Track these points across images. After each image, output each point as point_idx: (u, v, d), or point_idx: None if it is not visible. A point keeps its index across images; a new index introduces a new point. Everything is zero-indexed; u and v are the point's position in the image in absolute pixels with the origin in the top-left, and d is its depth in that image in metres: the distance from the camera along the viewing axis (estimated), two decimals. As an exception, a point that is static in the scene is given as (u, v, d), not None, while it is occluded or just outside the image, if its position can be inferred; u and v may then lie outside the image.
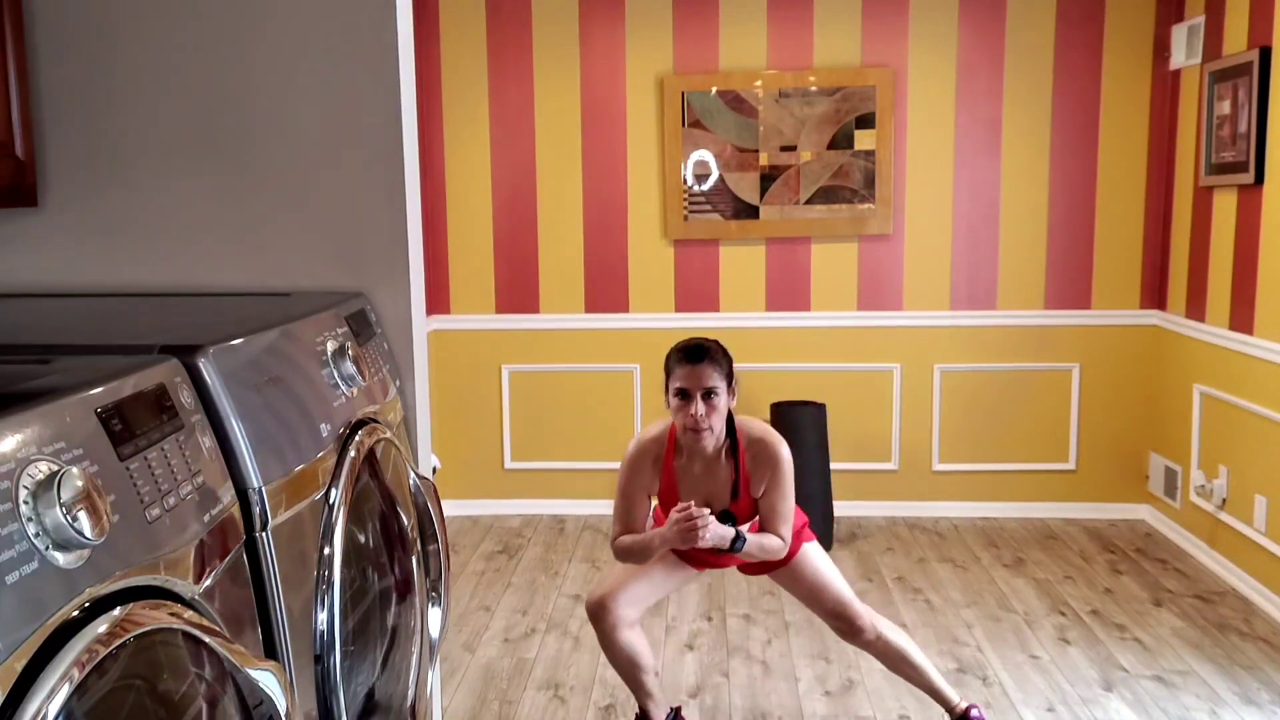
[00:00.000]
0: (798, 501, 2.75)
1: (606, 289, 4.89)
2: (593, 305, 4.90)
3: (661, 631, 3.64)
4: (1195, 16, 4.31)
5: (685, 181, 4.76)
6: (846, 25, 4.67)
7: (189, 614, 1.03)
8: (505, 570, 4.28)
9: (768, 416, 4.46)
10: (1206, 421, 4.22)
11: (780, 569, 2.80)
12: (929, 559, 4.33)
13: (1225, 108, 4.01)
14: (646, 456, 2.72)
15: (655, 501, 2.81)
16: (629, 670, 2.77)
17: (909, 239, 4.75)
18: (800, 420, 4.40)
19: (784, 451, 2.68)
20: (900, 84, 4.67)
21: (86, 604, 0.90)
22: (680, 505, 2.53)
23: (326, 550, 1.42)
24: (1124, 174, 4.67)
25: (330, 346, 1.59)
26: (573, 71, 4.77)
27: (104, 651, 0.88)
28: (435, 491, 1.89)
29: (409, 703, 1.75)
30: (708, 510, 2.54)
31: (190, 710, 1.03)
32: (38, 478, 0.87)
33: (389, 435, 1.69)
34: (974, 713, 2.82)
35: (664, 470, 2.71)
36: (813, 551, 2.80)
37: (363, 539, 1.59)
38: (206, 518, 1.14)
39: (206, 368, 1.24)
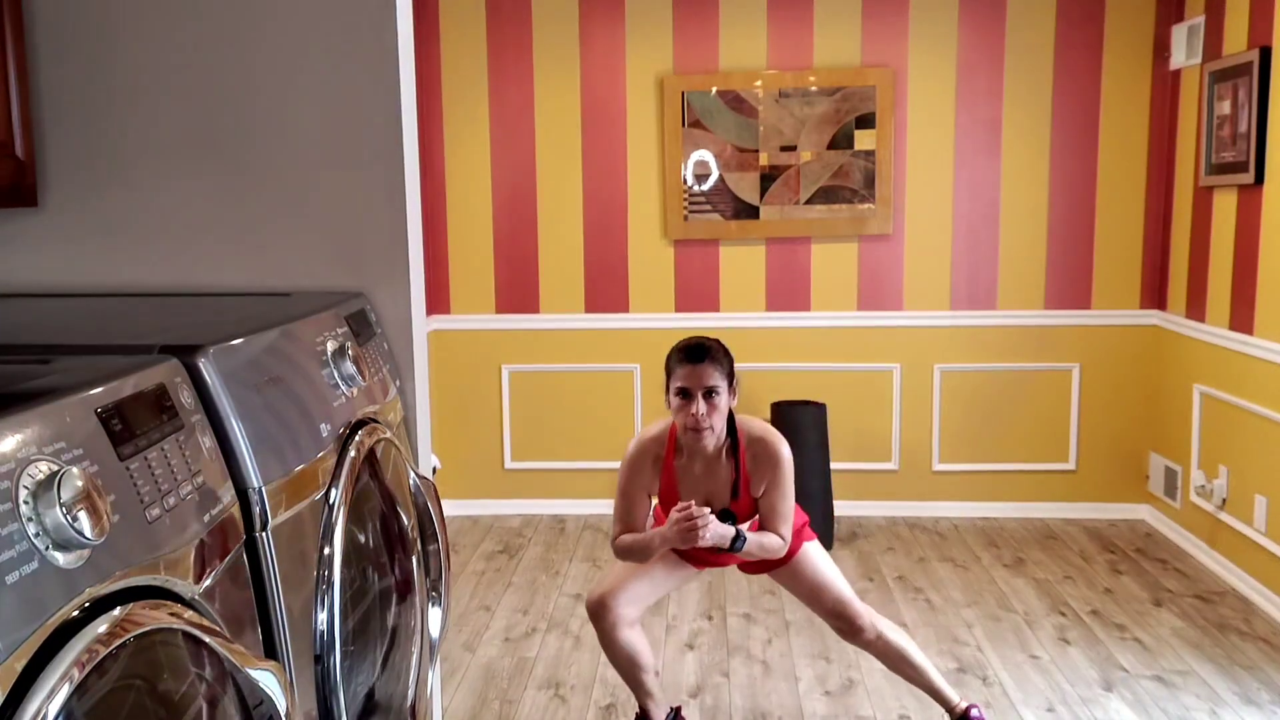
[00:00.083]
0: (798, 501, 2.75)
1: (606, 289, 4.89)
2: (593, 305, 4.90)
3: (662, 631, 3.64)
4: (1195, 16, 4.31)
5: (685, 181, 4.77)
6: (846, 25, 4.67)
7: (189, 614, 1.03)
8: (505, 570, 4.28)
9: (768, 416, 4.46)
10: (1206, 421, 4.22)
11: (781, 568, 2.80)
12: (929, 559, 4.33)
13: (1225, 108, 4.01)
14: (647, 456, 2.72)
15: (655, 501, 2.81)
16: (629, 669, 2.77)
17: (909, 239, 4.75)
18: (800, 420, 4.40)
19: (784, 451, 2.68)
20: (900, 84, 4.67)
21: (86, 604, 0.90)
22: (680, 504, 2.53)
23: (326, 550, 1.42)
24: (1124, 174, 4.67)
25: (330, 346, 1.59)
26: (573, 71, 4.77)
27: (104, 651, 0.88)
28: (435, 491, 1.89)
29: (409, 703, 1.75)
30: (708, 509, 2.54)
31: (190, 710, 1.03)
32: (38, 478, 0.87)
33: (389, 435, 1.70)
34: (974, 712, 2.82)
35: (664, 470, 2.71)
36: (813, 551, 2.80)
37: (363, 539, 1.59)
38: (206, 518, 1.14)
39: (206, 368, 1.24)
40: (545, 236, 4.87)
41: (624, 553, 2.70)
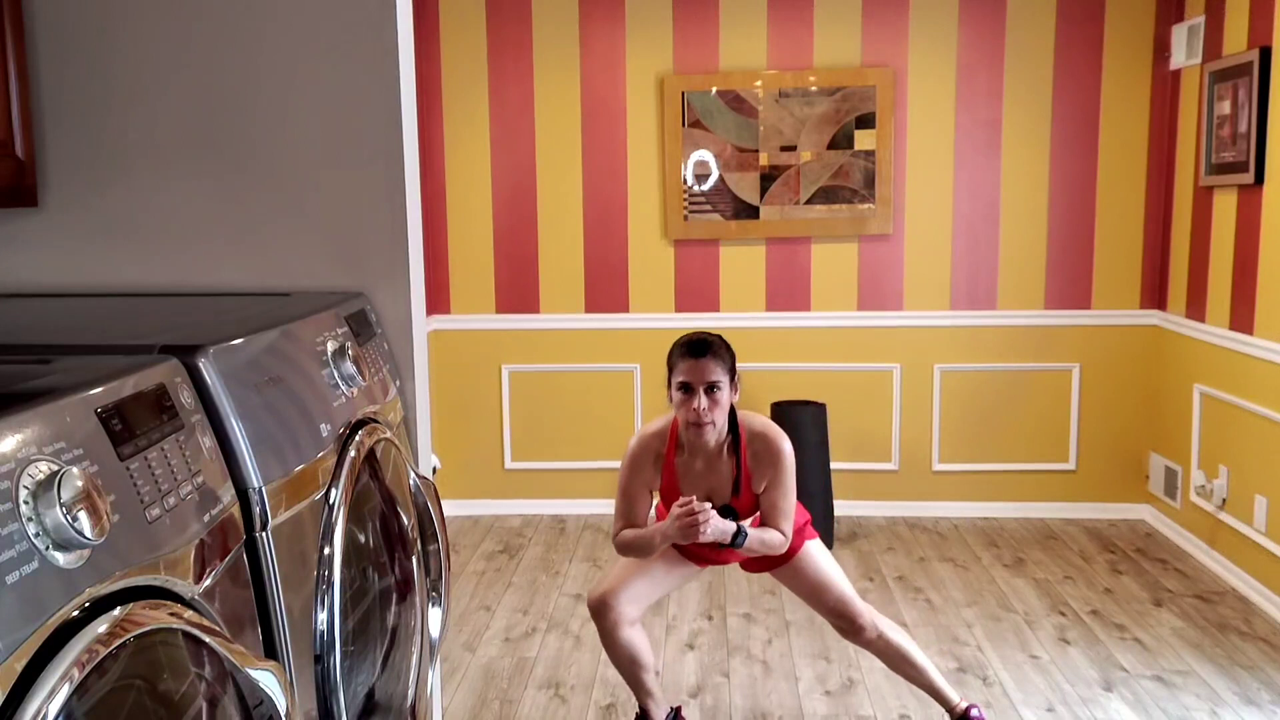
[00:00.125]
0: (799, 501, 2.75)
1: (606, 289, 4.89)
2: (593, 305, 4.90)
3: (662, 631, 3.64)
4: (1195, 16, 4.31)
5: (685, 181, 4.77)
6: (846, 25, 4.67)
7: (189, 614, 1.03)
8: (506, 570, 4.28)
9: (768, 416, 4.46)
10: (1206, 421, 4.22)
11: (782, 566, 2.79)
12: (929, 559, 4.33)
13: (1225, 108, 4.01)
14: (648, 452, 2.72)
15: (658, 499, 2.81)
16: (629, 668, 2.77)
17: (909, 239, 4.75)
18: (800, 420, 4.40)
19: (786, 447, 2.67)
20: (900, 84, 4.67)
21: (86, 604, 0.90)
22: (681, 500, 2.53)
23: (326, 550, 1.42)
24: (1124, 174, 4.67)
25: (330, 346, 1.59)
26: (573, 71, 4.77)
27: (104, 651, 0.88)
28: (435, 491, 1.89)
29: (409, 702, 1.75)
30: (709, 504, 2.54)
31: (190, 710, 1.03)
32: (38, 478, 0.87)
33: (389, 435, 1.70)
34: (974, 712, 2.82)
35: (665, 466, 2.71)
36: (815, 549, 2.80)
37: (363, 539, 1.59)
38: (206, 518, 1.14)
39: (206, 368, 1.24)
40: (545, 236, 4.87)
41: (625, 548, 2.70)
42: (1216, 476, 4.12)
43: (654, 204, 4.82)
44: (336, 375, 1.57)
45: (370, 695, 1.59)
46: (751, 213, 4.75)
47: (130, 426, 1.04)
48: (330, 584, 1.40)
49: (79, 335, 1.55)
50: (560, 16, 4.74)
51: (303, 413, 1.43)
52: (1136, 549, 4.42)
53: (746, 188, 4.74)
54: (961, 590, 3.98)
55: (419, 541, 1.82)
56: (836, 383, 4.82)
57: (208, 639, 1.04)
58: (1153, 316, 4.70)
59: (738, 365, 2.68)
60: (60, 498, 0.86)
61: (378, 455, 1.64)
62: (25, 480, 0.86)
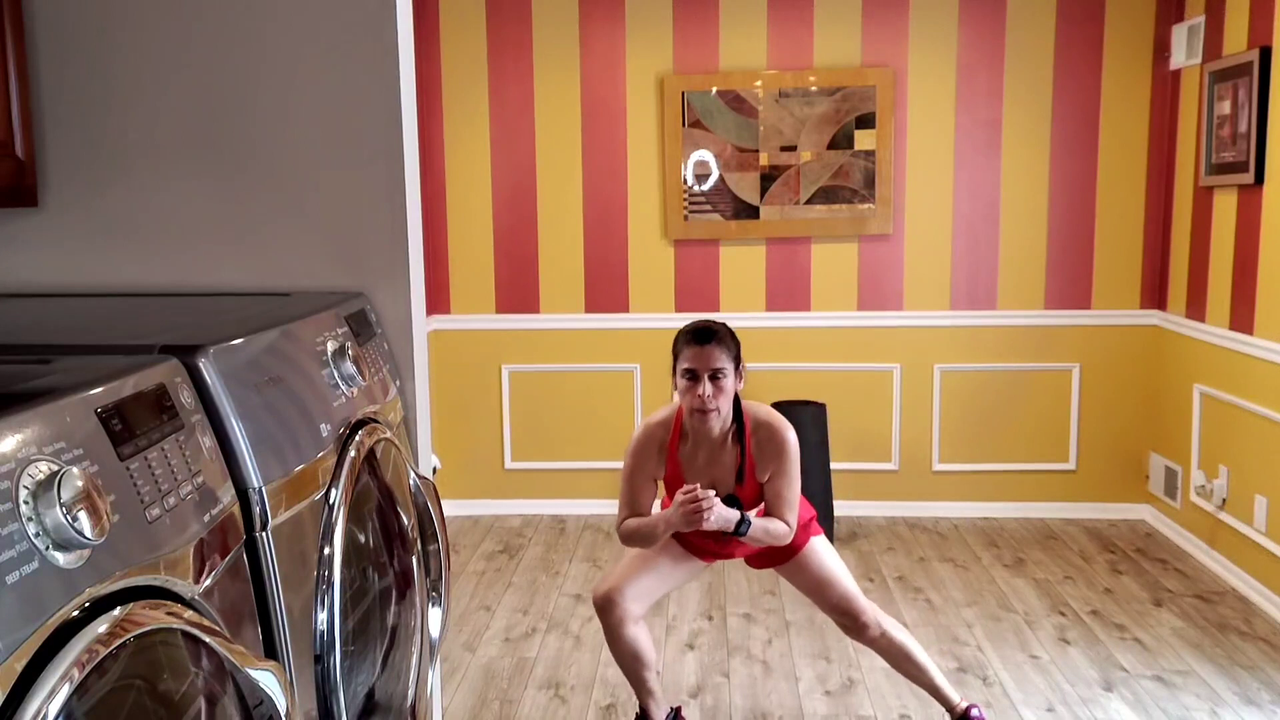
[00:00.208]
0: (803, 497, 2.75)
1: (606, 289, 4.89)
2: (593, 305, 4.90)
3: (662, 631, 3.64)
4: (1195, 16, 4.31)
5: (685, 181, 4.77)
6: (846, 25, 4.67)
7: (189, 614, 1.03)
8: (506, 570, 4.28)
9: (768, 416, 4.46)
10: (1206, 421, 4.22)
11: (787, 562, 2.79)
12: (929, 559, 4.33)
13: (1225, 108, 4.01)
14: (653, 441, 2.72)
15: (663, 491, 2.81)
16: (632, 666, 2.76)
17: (909, 239, 4.75)
18: (800, 420, 4.38)
19: (790, 436, 2.67)
20: (900, 84, 4.67)
21: (86, 604, 0.90)
22: (685, 487, 2.53)
23: (326, 550, 1.42)
24: (1124, 174, 4.67)
25: (330, 346, 1.59)
26: (573, 71, 4.77)
27: (104, 651, 0.88)
28: (435, 491, 1.89)
29: (409, 702, 1.75)
30: (712, 491, 2.53)
31: (190, 710, 1.03)
32: (38, 478, 0.87)
33: (389, 435, 1.70)
34: (974, 712, 2.82)
35: (670, 455, 2.71)
36: (820, 546, 2.80)
37: (363, 539, 1.59)
38: (206, 518, 1.14)
39: (206, 368, 1.24)
40: (545, 236, 4.87)
41: (629, 537, 2.69)
42: (1216, 476, 4.12)
43: (654, 204, 4.82)
44: (336, 375, 1.57)
45: (370, 695, 1.59)
46: (751, 213, 4.75)
47: (130, 426, 1.04)
48: (330, 584, 1.40)
49: (79, 335, 1.55)
50: (560, 16, 4.74)
51: (303, 413, 1.43)
52: (1136, 549, 4.42)
53: (746, 188, 4.74)
54: (961, 590, 3.98)
55: (419, 541, 1.82)
56: (836, 383, 4.82)
57: (208, 639, 1.04)
58: (1153, 316, 4.70)
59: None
60: (60, 498, 0.86)
61: (378, 455, 1.64)
62: (25, 480, 0.86)
